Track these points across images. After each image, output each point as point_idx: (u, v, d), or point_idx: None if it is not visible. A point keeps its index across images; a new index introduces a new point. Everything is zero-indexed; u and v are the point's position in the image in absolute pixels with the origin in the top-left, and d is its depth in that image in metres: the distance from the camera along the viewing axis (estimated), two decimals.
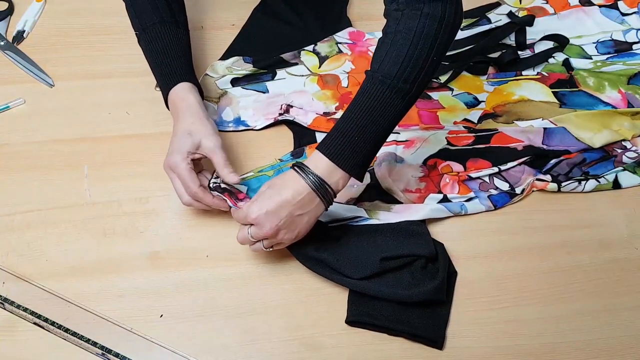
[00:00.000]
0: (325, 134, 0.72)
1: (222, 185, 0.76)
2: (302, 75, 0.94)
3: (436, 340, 0.70)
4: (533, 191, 0.83)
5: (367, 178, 0.82)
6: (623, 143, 0.87)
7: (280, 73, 0.94)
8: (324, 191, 0.67)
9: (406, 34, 0.66)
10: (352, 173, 0.68)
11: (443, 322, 0.72)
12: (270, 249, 0.71)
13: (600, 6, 1.05)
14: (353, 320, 0.71)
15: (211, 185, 0.76)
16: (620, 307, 0.74)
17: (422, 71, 0.67)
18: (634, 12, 1.04)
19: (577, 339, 0.72)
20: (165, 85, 0.79)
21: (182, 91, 0.78)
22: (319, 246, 0.74)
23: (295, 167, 0.68)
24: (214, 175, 0.77)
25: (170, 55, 0.80)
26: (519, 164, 0.84)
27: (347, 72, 0.94)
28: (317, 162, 0.68)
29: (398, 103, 0.67)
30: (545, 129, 0.86)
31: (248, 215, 0.68)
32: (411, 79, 0.66)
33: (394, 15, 0.68)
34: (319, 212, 0.69)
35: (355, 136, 0.67)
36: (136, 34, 0.83)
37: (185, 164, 0.73)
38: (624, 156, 0.86)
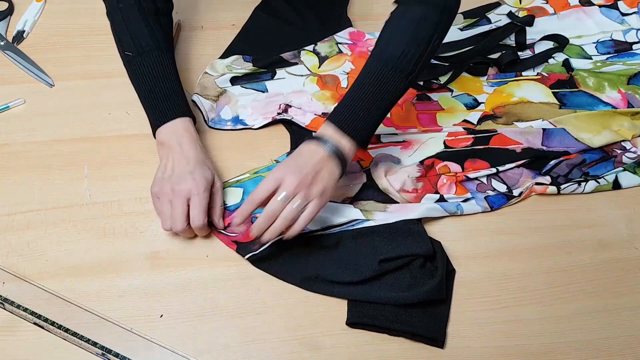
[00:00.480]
0: None
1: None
2: (302, 75, 0.94)
3: (437, 338, 0.70)
4: (532, 195, 0.83)
5: (363, 177, 0.82)
6: (622, 144, 0.87)
7: (280, 72, 0.94)
8: (338, 153, 0.71)
9: (410, 20, 0.73)
10: (358, 141, 0.72)
11: (444, 321, 0.72)
12: (299, 221, 0.69)
13: (600, 6, 1.05)
14: (354, 322, 0.71)
15: None
16: (620, 307, 0.74)
17: (425, 54, 0.73)
18: (634, 12, 1.04)
19: (577, 339, 0.72)
20: (163, 114, 0.78)
21: (188, 124, 0.79)
22: (314, 258, 0.75)
23: (308, 139, 0.72)
24: None
25: (170, 84, 0.80)
26: (517, 167, 0.84)
27: (347, 73, 0.94)
28: (326, 130, 0.72)
29: (400, 82, 0.73)
30: (544, 130, 0.86)
31: (273, 174, 0.69)
32: (414, 61, 0.72)
33: (401, 2, 0.76)
34: (336, 173, 0.71)
35: (360, 112, 0.72)
36: (126, 54, 0.81)
37: (207, 194, 0.74)
38: (623, 156, 0.86)
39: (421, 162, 0.84)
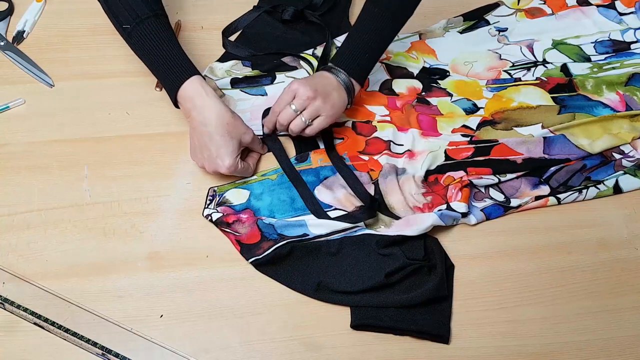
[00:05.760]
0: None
1: (223, 219, 0.78)
2: None
3: (442, 334, 0.71)
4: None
5: (371, 190, 0.81)
6: (621, 148, 0.87)
7: (280, 77, 0.93)
8: (349, 86, 0.82)
9: None
10: (360, 82, 0.84)
11: (447, 317, 0.72)
12: (309, 125, 0.80)
13: (597, 6, 1.05)
14: (358, 324, 0.71)
15: (213, 218, 0.77)
16: (620, 307, 0.74)
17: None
18: (632, 12, 1.04)
19: (577, 339, 0.72)
20: (175, 80, 0.78)
21: (199, 85, 0.78)
22: (316, 265, 0.75)
23: (323, 68, 0.83)
24: (210, 206, 0.79)
25: (173, 49, 0.80)
26: (517, 177, 0.83)
27: None
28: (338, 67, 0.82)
29: (394, 25, 0.84)
30: (545, 138, 0.86)
31: (289, 87, 0.80)
32: (411, 6, 0.85)
33: None
34: (345, 100, 0.82)
35: (364, 57, 0.83)
36: (125, 28, 0.80)
37: (238, 163, 0.79)
38: (623, 160, 0.86)
39: (425, 179, 0.83)
